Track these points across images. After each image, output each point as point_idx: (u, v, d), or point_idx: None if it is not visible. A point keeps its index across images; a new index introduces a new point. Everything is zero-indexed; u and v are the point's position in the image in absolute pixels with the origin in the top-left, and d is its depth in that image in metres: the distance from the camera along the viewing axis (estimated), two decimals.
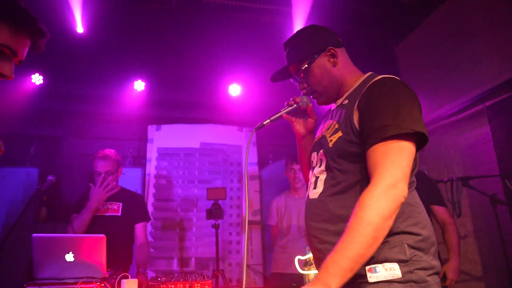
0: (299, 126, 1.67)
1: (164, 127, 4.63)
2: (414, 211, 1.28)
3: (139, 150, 4.87)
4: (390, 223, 1.12)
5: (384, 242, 1.15)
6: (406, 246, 1.20)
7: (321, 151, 1.42)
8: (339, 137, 1.34)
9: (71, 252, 2.21)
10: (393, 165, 1.16)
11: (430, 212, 2.98)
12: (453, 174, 3.76)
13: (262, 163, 4.80)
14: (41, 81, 4.23)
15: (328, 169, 1.38)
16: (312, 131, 1.68)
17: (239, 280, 4.21)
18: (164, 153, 4.52)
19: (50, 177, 3.13)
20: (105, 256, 2.30)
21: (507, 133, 3.38)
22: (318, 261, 1.39)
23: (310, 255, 2.64)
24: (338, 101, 1.53)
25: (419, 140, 1.24)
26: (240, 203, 4.43)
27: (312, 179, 1.45)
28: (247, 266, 4.21)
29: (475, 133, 3.94)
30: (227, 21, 4.22)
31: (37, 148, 4.53)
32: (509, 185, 2.49)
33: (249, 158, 4.64)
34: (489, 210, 3.14)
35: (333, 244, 1.14)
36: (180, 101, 4.81)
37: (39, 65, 4.20)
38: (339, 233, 1.16)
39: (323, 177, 1.40)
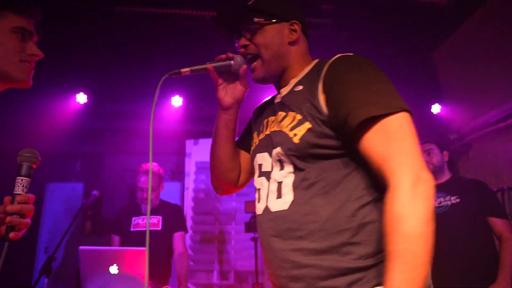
0: (225, 93, 1.32)
1: (202, 141, 4.70)
2: None
3: (177, 165, 4.96)
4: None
5: (380, 262, 0.98)
6: None
7: (279, 150, 1.12)
8: (308, 130, 1.07)
9: (115, 265, 2.28)
10: (403, 154, 0.93)
11: (486, 226, 2.62)
12: (503, 184, 3.57)
13: None
14: (85, 100, 4.34)
15: (297, 170, 1.10)
16: (239, 102, 1.35)
17: None
18: (202, 167, 4.57)
19: (94, 192, 3.27)
20: (147, 269, 2.35)
21: None
22: None
23: None
24: (284, 89, 1.26)
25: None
26: None
27: (271, 186, 1.15)
28: None
29: None
30: None
31: (82, 164, 4.71)
32: None
33: None
34: None
35: (319, 267, 1.00)
36: None
37: (82, 84, 4.38)
38: (323, 252, 1.01)
39: (289, 181, 1.11)
